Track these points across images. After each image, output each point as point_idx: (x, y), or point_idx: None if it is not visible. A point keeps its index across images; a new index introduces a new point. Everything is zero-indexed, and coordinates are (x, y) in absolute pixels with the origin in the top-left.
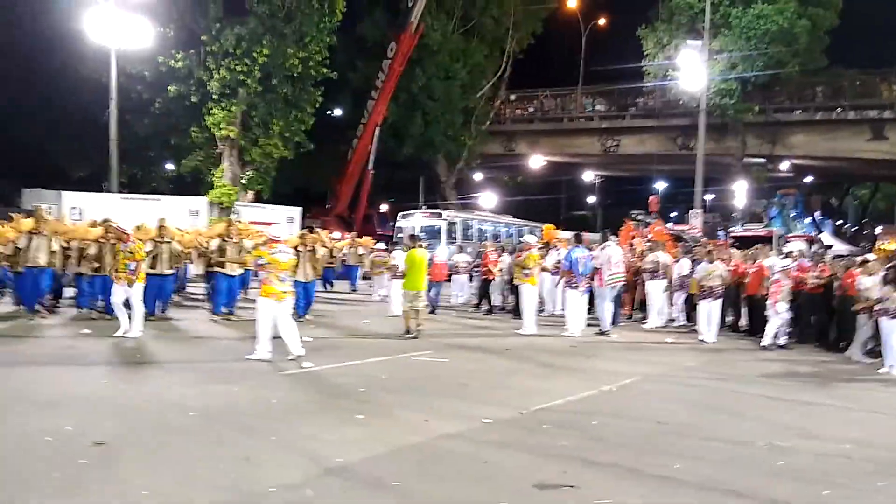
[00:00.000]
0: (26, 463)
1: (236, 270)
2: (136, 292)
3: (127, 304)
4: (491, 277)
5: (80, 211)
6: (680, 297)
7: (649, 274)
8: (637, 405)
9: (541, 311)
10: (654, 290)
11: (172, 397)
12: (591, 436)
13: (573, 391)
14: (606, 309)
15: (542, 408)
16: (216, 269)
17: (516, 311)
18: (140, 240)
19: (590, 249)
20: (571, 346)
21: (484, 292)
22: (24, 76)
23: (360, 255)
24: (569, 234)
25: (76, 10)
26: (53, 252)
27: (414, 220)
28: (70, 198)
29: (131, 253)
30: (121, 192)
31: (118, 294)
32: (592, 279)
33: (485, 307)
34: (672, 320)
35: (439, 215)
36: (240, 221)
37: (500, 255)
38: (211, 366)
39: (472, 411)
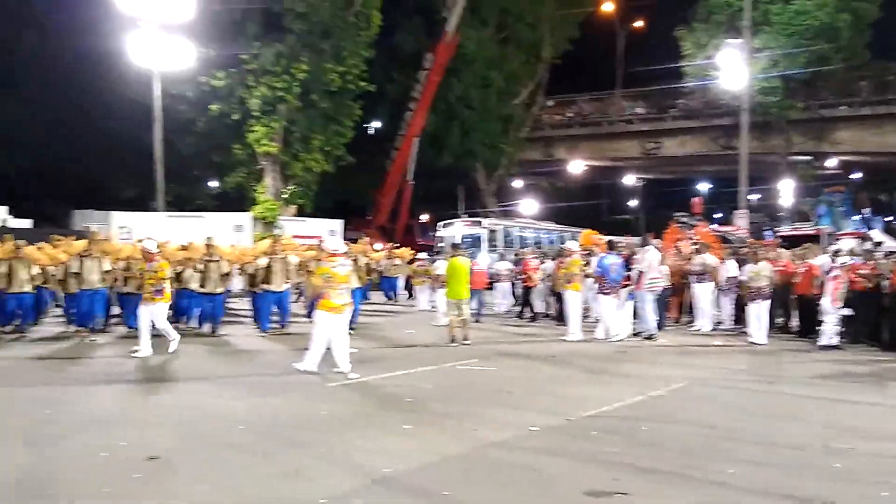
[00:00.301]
0: (83, 477)
1: (283, 286)
2: (160, 312)
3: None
4: (531, 284)
5: (129, 230)
6: (727, 300)
7: (696, 276)
8: (688, 410)
9: (586, 317)
10: (702, 293)
11: (222, 411)
12: (641, 442)
13: (621, 397)
14: (650, 312)
15: (590, 414)
16: (263, 286)
17: (561, 318)
18: (166, 259)
19: (633, 254)
20: (619, 352)
21: (525, 299)
22: (71, 102)
23: (397, 266)
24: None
25: (119, 34)
26: (106, 272)
27: (454, 229)
28: (119, 218)
29: (155, 272)
30: (167, 210)
31: (143, 315)
32: (627, 284)
33: (528, 314)
34: (720, 323)
35: (479, 223)
36: (282, 237)
37: (541, 262)
38: (259, 380)
39: (519, 419)
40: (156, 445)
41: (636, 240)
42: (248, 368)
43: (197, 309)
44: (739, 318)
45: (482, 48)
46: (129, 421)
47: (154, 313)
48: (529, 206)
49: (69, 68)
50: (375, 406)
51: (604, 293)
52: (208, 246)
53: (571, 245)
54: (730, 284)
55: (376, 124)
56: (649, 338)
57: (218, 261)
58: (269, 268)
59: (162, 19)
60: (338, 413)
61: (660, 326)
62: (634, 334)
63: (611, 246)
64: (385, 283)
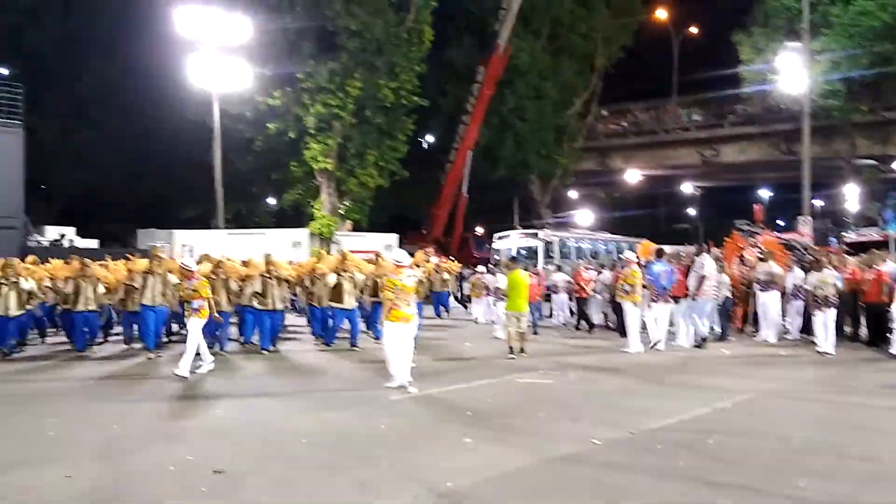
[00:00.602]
0: (152, 491)
1: (353, 303)
2: (195, 328)
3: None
4: (584, 296)
5: (191, 248)
6: (794, 309)
7: (762, 285)
8: (756, 422)
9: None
10: (768, 302)
11: (286, 426)
12: (709, 456)
13: (687, 409)
14: (700, 320)
15: (655, 427)
16: (331, 303)
17: (621, 329)
18: (205, 276)
19: (691, 263)
20: (682, 363)
21: (580, 311)
22: (134, 125)
23: (446, 281)
24: (669, 249)
25: (180, 58)
26: (172, 287)
27: (510, 242)
28: (181, 236)
29: (195, 291)
30: (227, 228)
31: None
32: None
33: (586, 325)
34: (786, 333)
35: (535, 235)
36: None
37: (598, 273)
38: (322, 394)
39: (581, 432)
40: (222, 460)
41: (691, 249)
42: (310, 383)
43: (257, 325)
44: (807, 327)
45: (535, 59)
46: (195, 436)
47: (190, 329)
48: (585, 216)
49: (133, 92)
50: (437, 420)
51: (653, 300)
52: (268, 262)
53: (629, 255)
54: (796, 293)
55: (430, 138)
56: (699, 345)
57: (277, 277)
58: (338, 285)
59: (220, 42)
60: (400, 427)
61: (724, 337)
62: (696, 345)
63: (659, 254)
64: (434, 298)
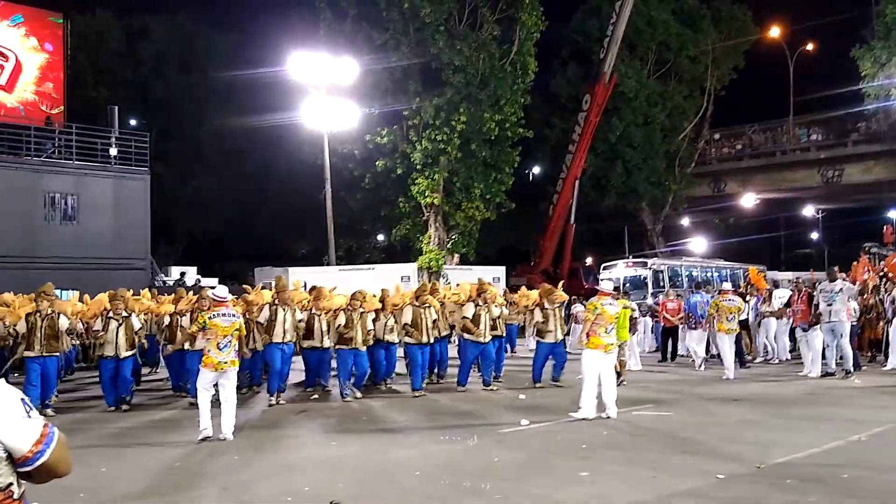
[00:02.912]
0: None
1: (486, 337)
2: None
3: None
4: (668, 325)
5: (305, 284)
6: None
7: (892, 311)
8: (893, 456)
9: (767, 357)
10: None
11: (398, 458)
12: (844, 491)
13: (816, 442)
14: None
15: (782, 461)
16: (464, 335)
17: (741, 360)
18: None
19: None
20: (808, 394)
21: (665, 341)
22: (250, 167)
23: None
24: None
25: (291, 101)
26: (298, 322)
27: (617, 272)
28: (295, 273)
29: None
30: (338, 264)
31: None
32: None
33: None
34: None
35: (644, 264)
36: (427, 284)
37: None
38: (434, 427)
39: (703, 466)
40: (336, 491)
41: (805, 275)
42: (423, 417)
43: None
44: None
45: (641, 85)
46: (311, 467)
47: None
48: (699, 244)
49: (248, 137)
50: (550, 452)
51: (691, 328)
52: (353, 297)
53: (725, 286)
54: None
55: (536, 170)
56: (828, 374)
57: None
58: (475, 316)
59: (330, 84)
60: (512, 460)
61: (856, 367)
62: (826, 374)
63: (698, 286)
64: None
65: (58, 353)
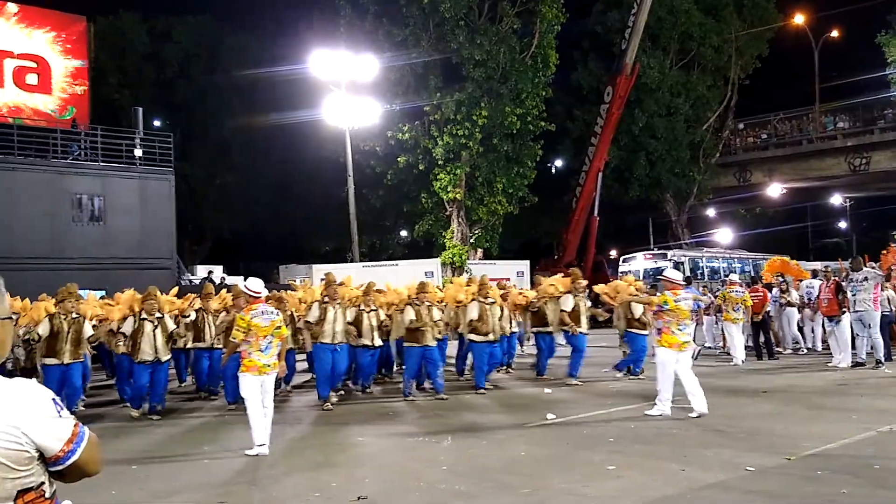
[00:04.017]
0: None
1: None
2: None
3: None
4: None
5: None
6: None
7: None
8: None
9: (797, 348)
10: None
11: (425, 454)
12: (876, 482)
13: (847, 433)
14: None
15: (813, 453)
16: (541, 328)
17: (758, 351)
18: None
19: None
20: (839, 384)
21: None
22: (274, 166)
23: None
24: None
25: (312, 99)
26: (348, 324)
27: (636, 264)
28: (320, 270)
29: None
30: (362, 261)
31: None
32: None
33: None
34: None
35: (664, 256)
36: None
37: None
38: (459, 423)
39: (732, 459)
40: (364, 487)
41: (834, 265)
42: (449, 414)
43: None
44: None
45: (664, 76)
46: (338, 464)
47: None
48: (724, 235)
49: (271, 136)
50: (577, 446)
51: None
52: (421, 290)
53: (733, 277)
54: None
55: (559, 163)
56: (860, 364)
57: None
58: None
59: (351, 81)
60: (539, 454)
61: (888, 357)
62: (857, 364)
63: (689, 281)
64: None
65: (82, 360)
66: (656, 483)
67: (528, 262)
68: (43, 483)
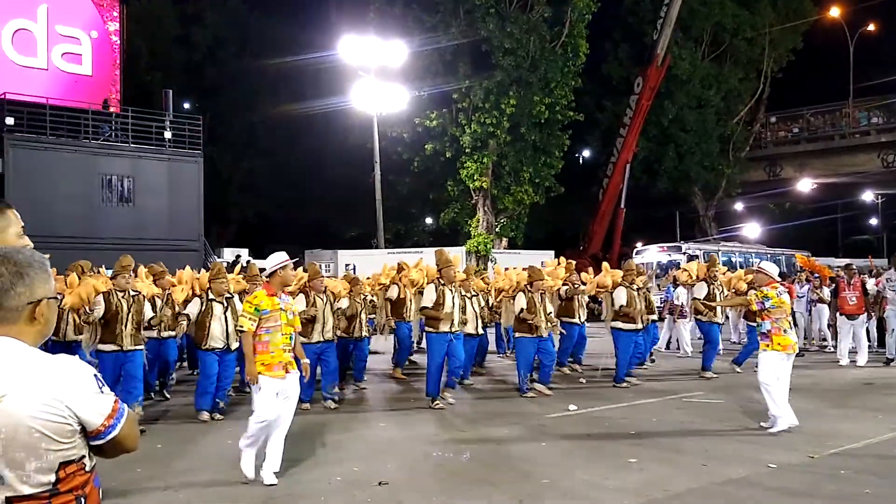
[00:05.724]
0: (319, 500)
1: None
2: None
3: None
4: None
5: (354, 267)
6: None
7: None
8: None
9: (824, 346)
10: None
11: (447, 440)
12: None
13: (872, 432)
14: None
15: (836, 451)
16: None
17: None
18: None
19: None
20: (865, 383)
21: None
22: (300, 151)
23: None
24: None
25: (341, 85)
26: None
27: (649, 256)
28: (344, 256)
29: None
30: (387, 247)
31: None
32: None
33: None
34: None
35: (679, 248)
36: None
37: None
38: (481, 409)
39: (755, 455)
40: (386, 472)
41: (861, 262)
42: (470, 401)
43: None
44: None
45: (696, 67)
46: (361, 450)
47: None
48: (752, 230)
49: (298, 120)
50: (598, 438)
51: (679, 318)
52: (532, 275)
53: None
54: None
55: (587, 153)
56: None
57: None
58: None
59: (379, 67)
60: (560, 445)
61: None
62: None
63: (675, 280)
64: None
65: (143, 347)
66: (678, 477)
67: (552, 252)
68: (84, 456)
